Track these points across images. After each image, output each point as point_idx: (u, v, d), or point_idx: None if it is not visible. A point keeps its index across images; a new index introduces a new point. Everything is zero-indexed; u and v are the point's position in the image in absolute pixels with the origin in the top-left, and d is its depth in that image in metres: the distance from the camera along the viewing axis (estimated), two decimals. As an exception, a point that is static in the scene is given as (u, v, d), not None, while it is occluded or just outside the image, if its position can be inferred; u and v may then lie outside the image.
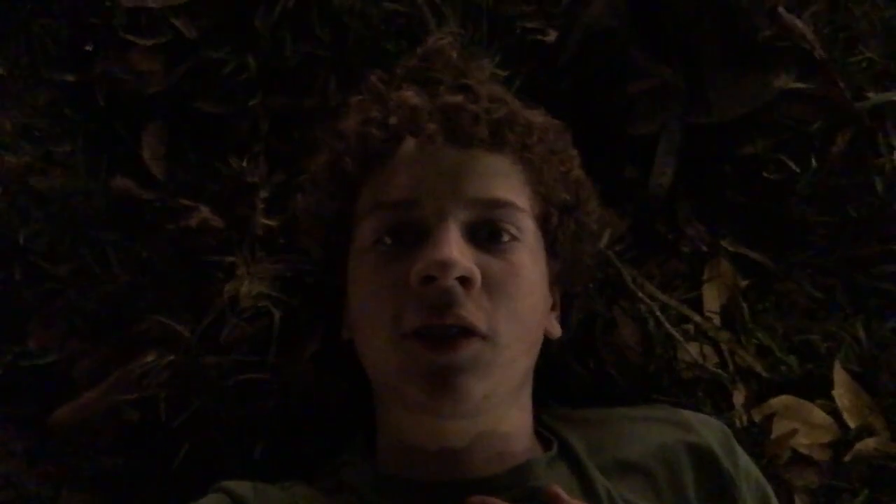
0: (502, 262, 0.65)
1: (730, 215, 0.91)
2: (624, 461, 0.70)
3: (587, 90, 0.91)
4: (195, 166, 0.90)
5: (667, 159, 0.88)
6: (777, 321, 0.87)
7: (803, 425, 0.82)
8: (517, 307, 0.64)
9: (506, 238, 0.66)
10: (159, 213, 0.88)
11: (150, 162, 0.89)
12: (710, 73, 0.92)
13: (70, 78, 0.92)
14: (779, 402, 0.83)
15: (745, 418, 0.82)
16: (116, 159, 0.90)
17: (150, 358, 0.81)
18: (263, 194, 0.87)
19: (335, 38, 0.94)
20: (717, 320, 0.86)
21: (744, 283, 0.88)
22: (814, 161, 0.89)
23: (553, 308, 0.75)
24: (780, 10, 0.94)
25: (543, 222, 0.71)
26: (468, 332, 0.61)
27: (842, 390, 0.84)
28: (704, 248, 0.87)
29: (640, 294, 0.82)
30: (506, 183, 0.67)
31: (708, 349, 0.85)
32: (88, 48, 0.93)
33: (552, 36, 0.94)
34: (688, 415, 0.75)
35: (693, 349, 0.85)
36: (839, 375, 0.84)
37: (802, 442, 0.82)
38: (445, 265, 0.60)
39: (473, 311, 0.62)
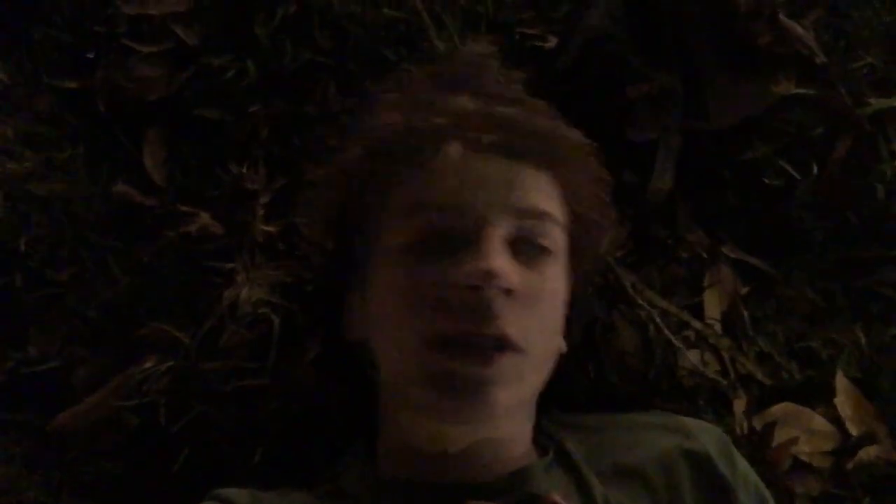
0: (537, 275, 0.65)
1: (730, 221, 0.91)
2: (622, 467, 0.69)
3: (586, 96, 0.91)
4: (195, 172, 0.90)
5: (666, 164, 0.88)
6: (778, 327, 0.87)
7: (804, 433, 0.82)
8: (547, 321, 0.65)
9: (543, 251, 0.66)
10: (160, 219, 0.88)
11: (151, 168, 0.89)
12: (709, 79, 0.92)
13: (71, 84, 0.92)
14: (780, 409, 0.83)
15: (745, 426, 0.82)
16: (117, 165, 0.90)
17: (149, 363, 0.81)
18: (263, 200, 0.87)
19: (335, 44, 0.94)
20: (717, 327, 0.86)
21: (744, 290, 0.87)
22: (815, 167, 0.89)
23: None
24: (780, 15, 0.94)
25: (571, 238, 0.71)
26: (504, 344, 0.61)
27: (843, 398, 0.84)
28: (704, 254, 0.87)
29: (640, 300, 0.82)
30: (547, 196, 0.67)
31: (709, 356, 0.85)
32: (90, 55, 0.93)
33: (552, 42, 0.95)
34: (686, 421, 0.75)
35: (694, 356, 0.84)
36: (841, 383, 0.84)
37: (804, 449, 0.82)
38: (492, 275, 0.60)
39: (512, 322, 0.61)
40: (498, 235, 0.63)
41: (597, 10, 0.91)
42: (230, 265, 0.84)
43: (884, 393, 0.86)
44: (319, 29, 0.93)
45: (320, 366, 0.83)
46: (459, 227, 0.63)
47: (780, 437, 0.82)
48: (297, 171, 0.90)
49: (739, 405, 0.82)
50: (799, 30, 0.95)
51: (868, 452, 0.82)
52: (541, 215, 0.66)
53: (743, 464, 0.72)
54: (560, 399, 0.82)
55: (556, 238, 0.67)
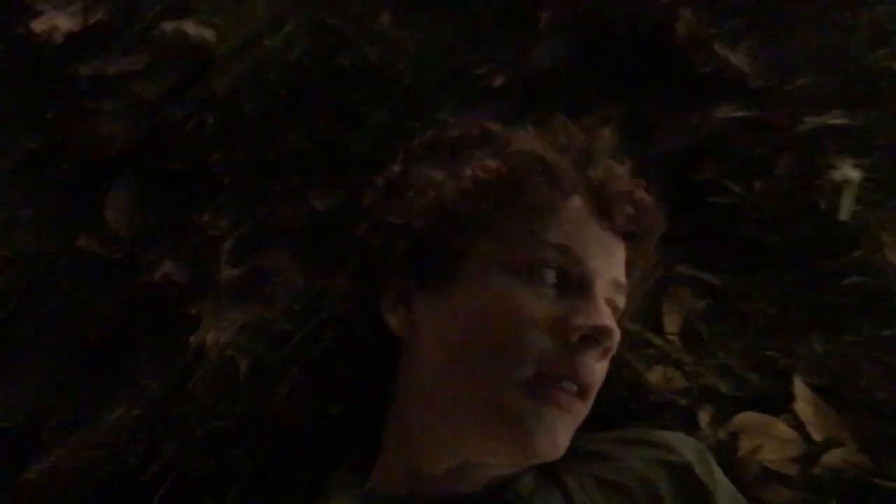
0: None
1: (684, 240, 0.93)
2: (604, 482, 0.70)
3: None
4: (159, 222, 0.92)
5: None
6: (736, 340, 0.89)
7: (769, 441, 0.83)
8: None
9: (617, 314, 0.69)
10: (124, 270, 0.89)
11: (114, 220, 0.91)
12: (654, 108, 0.96)
13: (33, 144, 0.94)
14: (743, 418, 0.84)
15: (712, 437, 0.83)
16: (80, 220, 0.91)
17: (119, 412, 0.81)
18: (227, 245, 0.89)
19: (293, 92, 0.97)
20: (678, 343, 0.88)
21: (701, 304, 0.89)
22: (758, 184, 0.92)
23: None
24: (716, 45, 0.99)
25: None
26: (586, 393, 0.65)
27: (803, 404, 0.85)
28: (661, 273, 0.89)
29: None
30: (623, 269, 0.71)
31: (672, 371, 0.86)
32: (51, 114, 0.95)
33: (499, 80, 0.98)
34: (663, 434, 0.76)
35: (657, 373, 0.86)
36: (800, 389, 0.86)
37: (770, 457, 0.83)
38: (608, 332, 0.64)
39: (599, 374, 0.66)
40: (602, 296, 0.67)
41: (544, 47, 0.96)
42: (196, 310, 0.85)
43: (844, 398, 0.88)
44: (277, 79, 0.96)
45: (292, 406, 0.83)
46: (573, 274, 0.66)
47: (745, 446, 0.83)
48: (261, 215, 0.92)
49: (704, 417, 0.84)
50: (734, 57, 0.99)
51: (833, 456, 0.83)
52: (621, 287, 0.70)
53: (721, 473, 0.73)
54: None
55: (622, 305, 0.71)
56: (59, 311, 0.88)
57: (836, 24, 1.04)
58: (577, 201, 0.69)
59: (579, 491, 0.69)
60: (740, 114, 0.97)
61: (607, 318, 0.65)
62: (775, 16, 1.05)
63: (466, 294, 0.68)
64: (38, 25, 0.99)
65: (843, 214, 0.89)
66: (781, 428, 0.84)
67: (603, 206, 0.69)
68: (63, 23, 0.99)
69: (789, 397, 0.86)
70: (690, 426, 0.84)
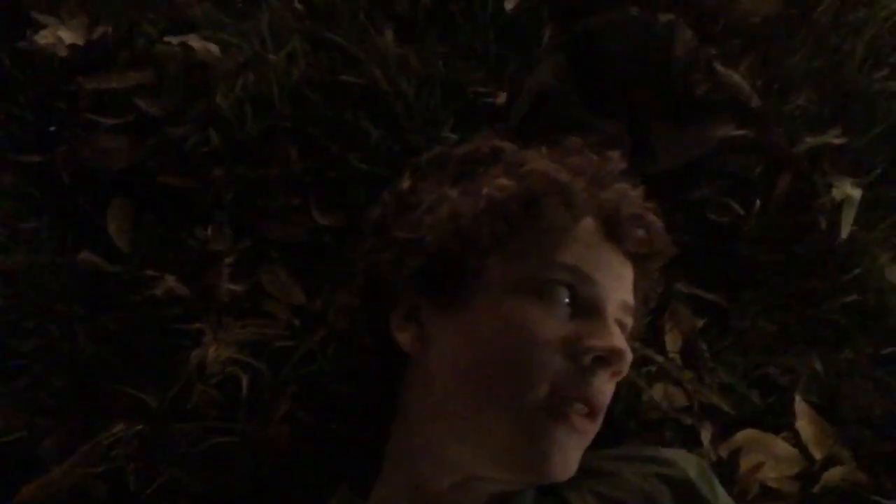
0: None
1: (683, 259, 0.93)
2: (604, 497, 0.70)
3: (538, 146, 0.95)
4: (160, 238, 0.91)
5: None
6: (736, 357, 0.89)
7: (769, 458, 0.84)
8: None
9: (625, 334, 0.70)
10: (125, 286, 0.88)
11: (115, 236, 0.90)
12: (652, 127, 0.96)
13: (35, 159, 0.94)
14: (744, 436, 0.85)
15: (713, 455, 0.83)
16: (81, 235, 0.91)
17: (117, 429, 0.80)
18: (228, 261, 0.89)
19: (294, 109, 0.97)
20: (679, 361, 0.88)
21: (700, 323, 0.90)
22: (758, 203, 0.93)
23: None
24: (716, 65, 1.00)
25: None
26: (597, 414, 0.66)
27: (804, 422, 0.86)
28: (660, 289, 0.90)
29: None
30: (632, 290, 0.72)
31: (673, 389, 0.87)
32: (53, 129, 0.95)
33: (501, 98, 0.99)
34: (664, 451, 0.76)
35: (658, 390, 0.86)
36: (800, 407, 0.86)
37: (770, 475, 0.83)
38: (622, 355, 0.64)
39: (609, 395, 0.67)
40: (613, 318, 0.67)
41: (543, 67, 0.96)
42: (197, 326, 0.85)
43: (844, 415, 0.88)
44: (279, 95, 0.97)
45: (292, 422, 0.83)
46: (584, 295, 0.67)
47: (745, 463, 0.83)
48: (262, 231, 0.92)
49: (705, 435, 0.84)
50: (734, 77, 1.00)
51: (833, 474, 0.84)
52: (629, 308, 0.71)
53: (721, 489, 0.73)
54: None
55: (630, 327, 0.72)
56: (59, 325, 0.87)
57: (833, 46, 1.05)
58: (589, 223, 0.70)
59: None
60: (739, 133, 0.98)
61: (620, 341, 0.65)
62: (773, 37, 1.06)
63: (479, 313, 0.68)
64: (42, 39, 0.99)
65: (844, 232, 0.90)
66: (782, 446, 0.85)
67: (615, 229, 0.70)
68: (66, 37, 1.00)
69: (789, 415, 0.87)
70: (691, 443, 0.85)
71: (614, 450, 0.78)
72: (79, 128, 0.95)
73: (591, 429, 0.66)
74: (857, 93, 1.02)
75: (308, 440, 0.83)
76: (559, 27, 1.05)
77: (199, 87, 0.97)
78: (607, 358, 0.64)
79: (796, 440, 0.86)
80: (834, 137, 0.98)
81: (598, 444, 0.82)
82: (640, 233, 0.71)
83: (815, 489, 0.84)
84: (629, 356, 0.65)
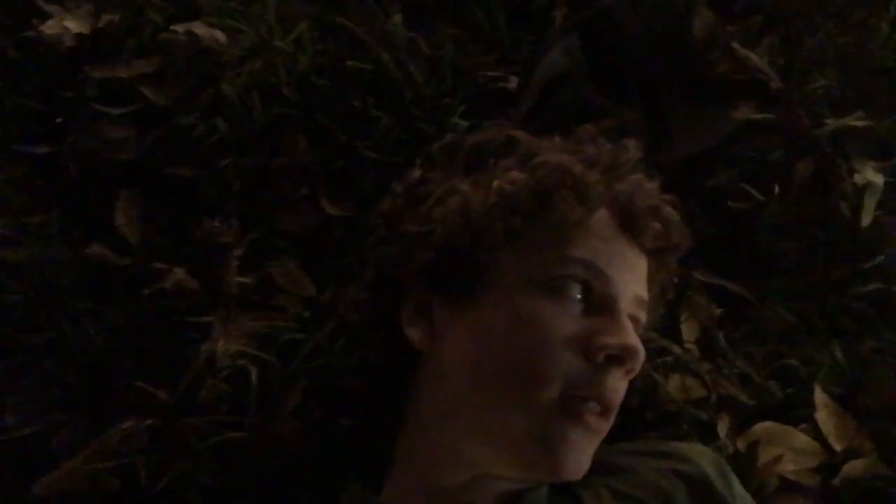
0: None
1: (700, 247, 0.91)
2: (619, 493, 0.69)
3: (550, 134, 0.93)
4: (169, 229, 0.91)
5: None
6: (755, 348, 0.87)
7: (788, 451, 0.82)
8: None
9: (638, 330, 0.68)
10: (134, 278, 0.88)
11: (124, 228, 0.90)
12: (670, 111, 0.94)
13: (43, 150, 0.93)
14: (762, 428, 0.83)
15: (730, 447, 0.81)
16: (90, 227, 0.91)
17: (128, 424, 0.80)
18: (237, 253, 0.88)
19: (303, 97, 0.96)
20: (696, 351, 0.86)
21: (718, 312, 0.88)
22: (777, 189, 0.91)
23: None
24: (735, 44, 0.97)
25: None
26: (610, 413, 0.64)
27: (824, 413, 0.84)
28: (677, 280, 0.88)
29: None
30: (645, 283, 0.70)
31: (690, 380, 0.85)
32: (60, 120, 0.94)
33: (513, 83, 0.97)
34: (679, 445, 0.74)
35: (675, 382, 0.85)
36: (820, 398, 0.84)
37: (790, 468, 0.82)
38: (635, 353, 0.63)
39: (622, 393, 0.65)
40: (626, 312, 0.65)
41: (555, 51, 0.94)
42: (206, 319, 0.84)
43: (865, 407, 0.86)
44: (286, 83, 0.95)
45: (303, 416, 0.82)
46: (598, 290, 0.65)
47: (764, 456, 0.81)
48: (270, 222, 0.91)
49: (723, 427, 0.82)
50: (754, 57, 0.97)
51: (854, 467, 0.82)
52: (643, 303, 0.69)
53: (739, 485, 0.72)
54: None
55: (643, 321, 0.70)
56: (68, 319, 0.87)
57: (856, 24, 1.02)
58: (603, 215, 0.67)
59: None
60: (759, 116, 0.95)
61: (633, 339, 0.63)
62: (794, 15, 1.03)
63: (491, 309, 0.66)
64: (48, 29, 0.98)
65: (866, 220, 0.87)
66: (801, 438, 0.83)
67: (630, 222, 0.68)
68: (73, 26, 0.98)
69: (809, 406, 0.85)
70: (708, 436, 0.83)
71: (629, 444, 0.76)
72: (86, 118, 0.94)
73: (604, 427, 0.65)
74: (881, 72, 0.99)
75: (318, 434, 0.83)
76: (572, 9, 1.02)
77: (206, 75, 0.96)
78: (620, 356, 0.62)
79: (816, 432, 0.84)
80: (857, 120, 0.95)
81: (613, 437, 0.82)
82: (656, 226, 0.69)
83: (836, 482, 0.82)
84: (642, 354, 0.63)
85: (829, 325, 0.90)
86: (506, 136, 0.75)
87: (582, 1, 0.99)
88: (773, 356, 0.87)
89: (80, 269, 0.89)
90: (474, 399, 0.66)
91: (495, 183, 0.68)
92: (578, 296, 0.64)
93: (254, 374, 0.81)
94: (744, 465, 0.81)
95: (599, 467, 0.71)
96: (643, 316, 0.69)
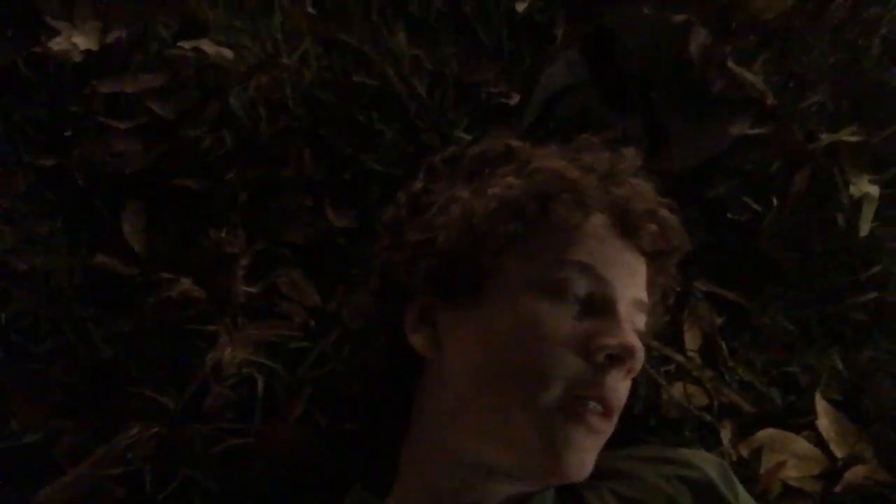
0: None
1: (701, 257, 0.93)
2: (624, 498, 0.70)
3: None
4: (175, 240, 0.91)
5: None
6: (756, 356, 0.88)
7: (791, 457, 0.83)
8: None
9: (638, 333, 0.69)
10: (140, 288, 0.88)
11: (130, 237, 0.90)
12: (669, 125, 0.96)
13: (50, 162, 0.94)
14: (765, 435, 0.84)
15: (733, 454, 0.82)
16: (97, 237, 0.91)
17: (134, 431, 0.80)
18: (244, 262, 0.88)
19: (308, 111, 0.97)
20: (698, 359, 0.87)
21: (720, 321, 0.89)
22: (775, 200, 0.92)
23: None
24: (730, 62, 0.99)
25: None
26: (612, 414, 0.65)
27: (825, 420, 0.84)
28: (678, 289, 0.89)
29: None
30: (645, 288, 0.72)
31: (692, 388, 0.86)
32: (68, 133, 0.95)
33: (515, 99, 0.98)
34: (685, 452, 0.75)
35: (678, 389, 0.85)
36: (821, 405, 0.85)
37: (792, 474, 0.82)
38: (634, 352, 0.64)
39: (624, 393, 0.67)
40: (625, 315, 0.67)
41: (558, 65, 0.96)
42: (212, 327, 0.85)
43: (865, 413, 0.87)
44: (292, 98, 0.97)
45: (308, 424, 0.83)
46: (597, 293, 0.66)
47: (767, 462, 0.82)
48: (276, 233, 0.92)
49: (726, 434, 0.83)
50: (749, 75, 1.00)
51: (856, 473, 0.83)
52: (643, 306, 0.70)
53: (743, 490, 0.72)
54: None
55: (643, 324, 0.71)
56: (74, 328, 0.87)
57: (849, 43, 1.04)
58: (600, 220, 0.69)
59: None
60: (755, 130, 0.97)
61: (633, 338, 0.64)
62: (788, 34, 1.06)
63: (493, 313, 0.67)
64: (56, 44, 0.99)
65: (864, 230, 0.89)
66: (803, 444, 0.84)
67: (627, 225, 0.69)
68: (80, 41, 1.00)
69: (810, 413, 0.86)
70: (711, 442, 0.84)
71: (633, 450, 0.77)
72: (93, 131, 0.96)
73: (607, 428, 0.66)
74: (873, 89, 1.01)
75: (324, 441, 0.83)
76: (572, 26, 1.04)
77: (213, 90, 0.97)
78: (620, 355, 0.64)
79: (818, 439, 0.85)
80: (850, 134, 0.97)
81: (617, 443, 0.82)
82: (654, 228, 0.70)
83: (838, 488, 0.82)
84: (642, 353, 0.64)
85: (828, 333, 0.91)
86: (505, 145, 0.77)
87: (582, 17, 1.01)
88: (774, 364, 0.88)
89: (86, 279, 0.89)
90: (478, 402, 0.67)
91: (495, 189, 0.70)
92: (578, 298, 0.66)
93: (260, 381, 0.81)
94: (747, 471, 0.82)
95: (604, 472, 0.72)
96: (642, 318, 0.70)
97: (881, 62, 1.05)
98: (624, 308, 0.67)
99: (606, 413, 0.64)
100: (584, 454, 0.64)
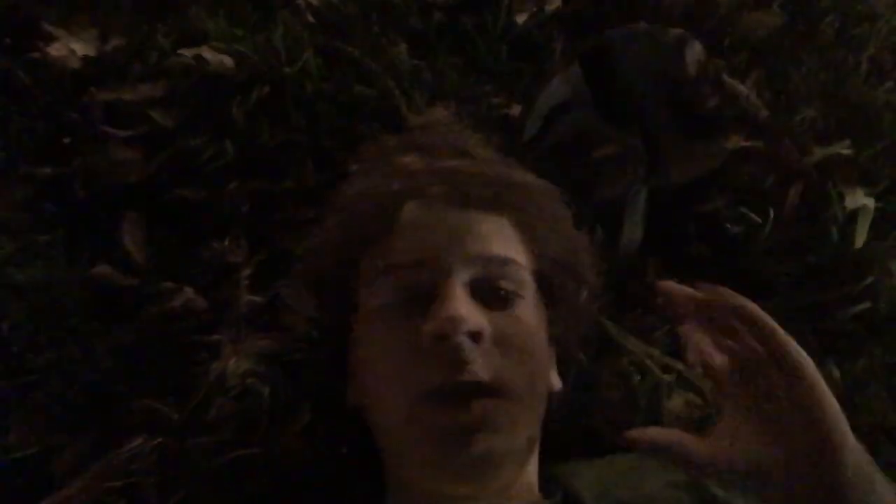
0: (507, 317, 0.66)
1: (697, 269, 0.94)
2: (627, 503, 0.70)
3: (553, 159, 0.96)
4: (176, 251, 0.91)
5: (635, 219, 0.92)
6: (754, 367, 0.89)
7: (791, 466, 0.84)
8: (525, 361, 0.66)
9: (507, 293, 0.68)
10: (141, 298, 0.87)
11: (131, 248, 0.89)
12: (665, 140, 0.98)
13: (48, 171, 0.93)
14: (765, 444, 0.85)
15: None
16: (96, 248, 0.90)
17: (136, 442, 0.79)
18: (246, 272, 0.88)
19: (309, 122, 0.97)
20: (698, 368, 0.88)
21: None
22: (771, 213, 0.94)
23: (552, 362, 0.76)
24: (724, 76, 1.01)
25: (541, 278, 0.73)
26: (481, 389, 0.62)
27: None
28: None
29: (628, 346, 0.84)
30: (504, 241, 0.70)
31: (694, 398, 0.87)
32: (66, 141, 0.94)
33: (516, 109, 0.99)
34: None
35: (678, 400, 0.86)
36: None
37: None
38: (454, 321, 0.61)
39: (485, 366, 0.63)
40: (459, 285, 0.65)
41: (557, 81, 0.97)
42: (216, 338, 0.84)
43: (859, 424, 0.88)
44: (293, 108, 0.97)
45: (312, 435, 0.82)
46: (425, 283, 0.66)
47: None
48: (278, 243, 0.92)
49: (727, 443, 0.84)
50: (742, 89, 1.02)
51: (853, 482, 0.84)
52: (501, 261, 0.68)
53: None
54: (551, 452, 0.83)
55: (521, 280, 0.69)
56: (73, 339, 0.86)
57: (838, 61, 1.07)
58: (409, 208, 0.69)
59: None
60: (749, 144, 0.99)
61: (450, 309, 0.62)
62: (779, 51, 1.08)
63: (361, 353, 0.71)
64: (54, 51, 0.98)
65: (859, 241, 0.91)
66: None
67: (454, 189, 0.70)
68: (78, 49, 0.99)
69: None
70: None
71: (637, 456, 0.78)
72: (92, 139, 0.95)
73: (489, 406, 0.62)
74: (862, 106, 1.04)
75: (327, 453, 0.82)
76: (571, 42, 1.06)
77: (214, 100, 0.97)
78: (446, 332, 0.61)
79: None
80: (842, 149, 0.99)
81: (614, 451, 0.83)
82: (443, 184, 0.70)
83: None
84: (462, 317, 0.62)
85: (822, 345, 0.93)
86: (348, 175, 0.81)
87: (582, 33, 1.03)
88: (772, 375, 0.89)
89: (85, 289, 0.88)
90: (386, 435, 0.69)
91: (309, 244, 0.79)
92: (397, 302, 0.67)
93: (265, 392, 0.81)
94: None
95: (609, 482, 0.73)
96: (507, 270, 0.68)
97: (869, 80, 1.07)
98: (457, 278, 0.65)
99: (489, 392, 0.62)
100: (482, 444, 0.61)
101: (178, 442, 0.80)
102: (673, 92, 0.99)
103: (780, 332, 0.59)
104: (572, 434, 0.85)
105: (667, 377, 0.87)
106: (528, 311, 0.69)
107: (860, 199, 0.92)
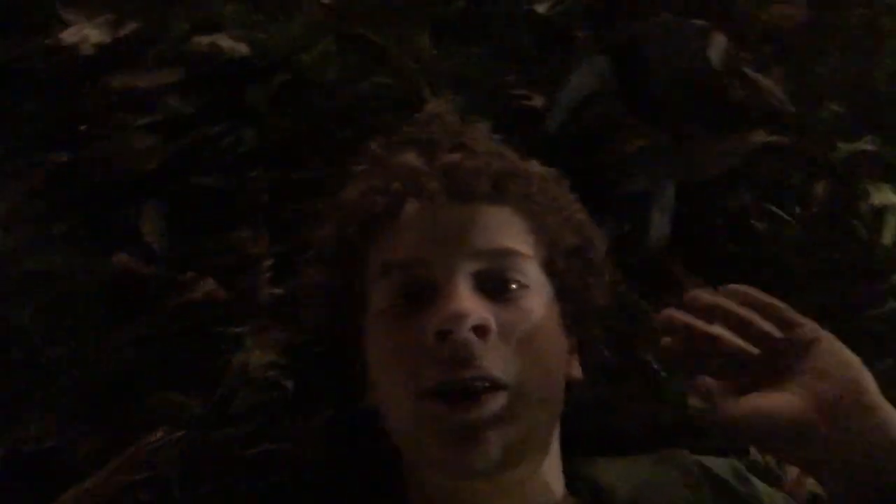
0: (514, 310, 0.65)
1: (724, 265, 0.93)
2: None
3: (578, 151, 0.95)
4: (196, 240, 0.89)
5: (662, 213, 0.91)
6: (778, 365, 0.89)
7: (817, 466, 0.83)
8: (535, 353, 0.64)
9: (514, 286, 0.66)
10: (161, 289, 0.86)
11: (150, 237, 0.88)
12: (692, 133, 0.97)
13: (65, 158, 0.91)
14: (791, 443, 0.84)
15: (761, 463, 0.82)
16: (115, 237, 0.89)
17: (159, 434, 0.78)
18: (267, 263, 0.87)
19: (330, 110, 0.96)
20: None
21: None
22: (798, 209, 0.93)
23: (572, 352, 0.74)
24: (747, 69, 1.00)
25: (550, 267, 0.71)
26: (489, 384, 0.61)
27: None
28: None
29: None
30: (509, 232, 0.68)
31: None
32: (83, 128, 0.92)
33: (539, 101, 0.98)
34: (698, 457, 0.76)
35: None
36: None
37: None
38: (458, 316, 0.60)
39: (493, 361, 0.61)
40: (462, 280, 0.64)
41: (584, 71, 0.96)
42: (237, 330, 0.83)
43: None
44: (314, 95, 0.95)
45: (333, 431, 0.81)
46: (427, 280, 0.65)
47: (793, 472, 0.83)
48: (298, 235, 0.90)
49: (753, 444, 0.83)
50: (766, 83, 1.01)
51: (879, 482, 0.83)
52: (506, 252, 0.67)
53: (760, 483, 0.74)
54: (573, 446, 0.82)
55: (527, 271, 0.67)
56: (92, 330, 0.84)
57: (864, 55, 1.06)
58: (410, 206, 0.68)
59: None
60: (774, 139, 0.98)
61: (452, 305, 0.61)
62: (804, 45, 1.07)
63: (371, 355, 0.70)
64: (68, 37, 0.96)
65: (887, 238, 0.90)
66: (829, 454, 0.84)
67: (455, 183, 0.68)
68: (93, 35, 0.97)
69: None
70: (738, 452, 0.84)
71: (658, 454, 0.77)
72: (109, 127, 0.93)
73: (498, 401, 0.61)
74: (889, 101, 1.03)
75: (349, 447, 0.82)
76: (594, 31, 1.04)
77: (232, 86, 0.95)
78: (450, 328, 0.61)
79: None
80: (869, 144, 0.98)
81: (635, 450, 0.82)
82: (442, 178, 0.68)
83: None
84: (466, 312, 0.61)
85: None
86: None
87: (608, 24, 1.01)
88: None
89: (104, 279, 0.86)
90: (399, 435, 0.68)
91: (314, 247, 0.78)
92: (401, 301, 0.66)
93: (289, 384, 0.80)
94: (773, 480, 0.82)
95: (635, 480, 0.72)
96: (513, 261, 0.67)
97: (893, 77, 1.06)
98: (461, 273, 0.64)
99: (490, 388, 0.61)
100: (488, 443, 0.60)
101: (202, 435, 0.79)
102: (698, 84, 0.98)
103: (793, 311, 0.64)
104: (595, 429, 0.85)
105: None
106: (537, 302, 0.67)
107: (888, 196, 0.91)
